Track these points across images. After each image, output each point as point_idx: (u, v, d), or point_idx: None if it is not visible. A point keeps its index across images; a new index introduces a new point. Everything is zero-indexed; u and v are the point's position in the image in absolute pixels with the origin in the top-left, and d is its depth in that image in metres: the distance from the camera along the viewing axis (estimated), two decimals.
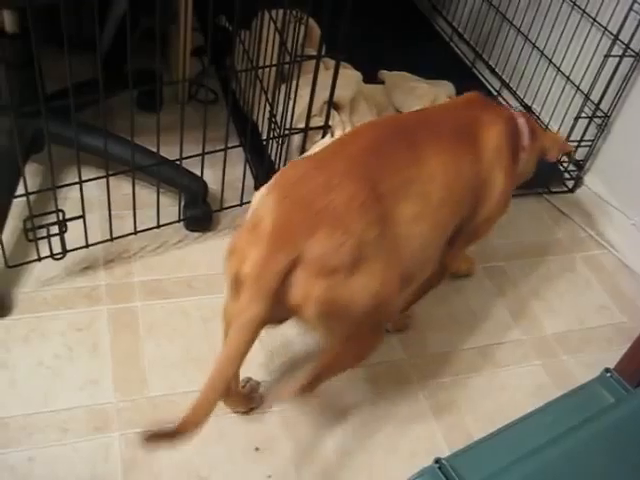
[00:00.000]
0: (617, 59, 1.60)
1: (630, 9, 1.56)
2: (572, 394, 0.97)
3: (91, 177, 1.30)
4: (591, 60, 1.69)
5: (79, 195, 1.26)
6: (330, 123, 1.48)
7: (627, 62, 1.60)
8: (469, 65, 2.17)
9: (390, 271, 0.95)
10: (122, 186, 1.44)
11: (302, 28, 1.36)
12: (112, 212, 1.33)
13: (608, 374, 0.98)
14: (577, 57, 1.73)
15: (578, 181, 1.79)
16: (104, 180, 1.27)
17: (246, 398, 1.17)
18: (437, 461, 0.82)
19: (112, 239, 1.37)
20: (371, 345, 1.04)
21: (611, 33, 1.62)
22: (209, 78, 1.81)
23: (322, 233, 0.88)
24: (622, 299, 1.55)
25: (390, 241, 0.95)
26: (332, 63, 1.41)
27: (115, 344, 1.24)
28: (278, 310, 0.90)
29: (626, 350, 1.16)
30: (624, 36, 1.58)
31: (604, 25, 1.65)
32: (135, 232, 1.39)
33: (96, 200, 1.45)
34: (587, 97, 1.70)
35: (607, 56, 1.61)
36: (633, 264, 1.63)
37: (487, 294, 1.49)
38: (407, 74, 1.87)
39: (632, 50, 1.58)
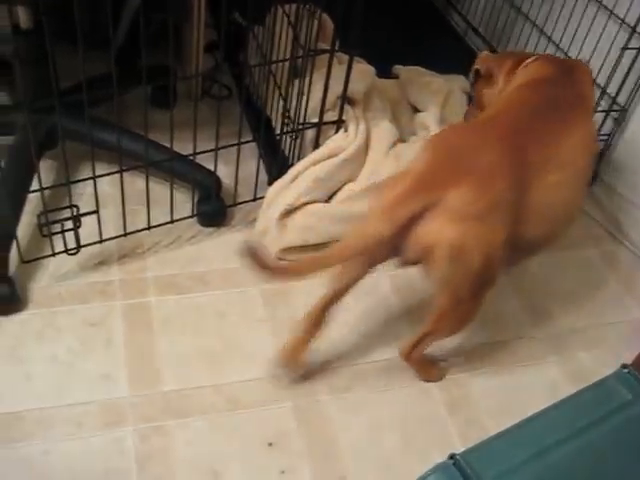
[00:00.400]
0: (635, 52, 1.58)
1: None
2: (588, 390, 0.96)
3: (105, 172, 1.30)
4: (608, 53, 1.67)
5: (93, 190, 1.26)
6: (344, 117, 1.47)
7: None
8: None
9: (503, 237, 1.03)
10: (136, 181, 1.44)
11: (315, 22, 1.36)
12: (126, 207, 1.33)
13: (625, 370, 0.97)
14: (594, 50, 1.71)
15: (594, 175, 1.77)
16: (118, 175, 1.28)
17: (302, 363, 1.22)
18: (452, 457, 0.82)
19: (126, 234, 1.38)
20: (473, 309, 1.15)
21: (629, 25, 1.59)
22: (222, 74, 1.81)
23: (464, 186, 0.99)
24: (638, 295, 1.53)
25: (520, 207, 1.05)
26: (345, 58, 1.40)
27: (129, 339, 1.24)
28: (403, 246, 1.02)
29: None
30: None
31: (621, 17, 1.63)
32: (149, 227, 1.40)
33: (110, 195, 1.45)
34: (604, 91, 1.68)
35: (624, 49, 1.59)
36: None
37: (503, 290, 1.48)
38: (421, 69, 1.86)
39: None
